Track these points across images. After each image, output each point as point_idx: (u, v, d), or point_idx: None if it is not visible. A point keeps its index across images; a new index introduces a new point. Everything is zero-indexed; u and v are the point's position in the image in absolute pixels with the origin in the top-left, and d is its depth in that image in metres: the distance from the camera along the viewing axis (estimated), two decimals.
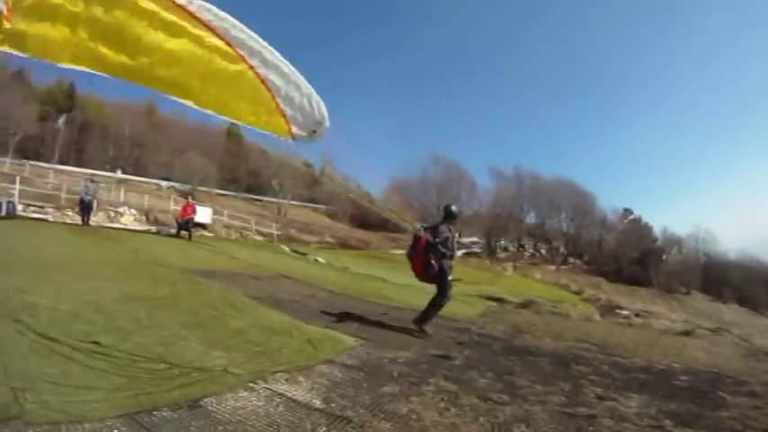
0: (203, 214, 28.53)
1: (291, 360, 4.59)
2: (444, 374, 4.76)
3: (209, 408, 3.24)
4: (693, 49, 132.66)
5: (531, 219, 70.82)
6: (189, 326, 5.29)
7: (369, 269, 20.79)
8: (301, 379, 4.08)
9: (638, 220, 66.30)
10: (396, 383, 4.28)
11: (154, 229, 24.17)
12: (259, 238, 35.32)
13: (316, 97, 5.87)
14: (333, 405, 3.57)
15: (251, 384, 3.79)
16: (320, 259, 21.94)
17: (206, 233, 27.74)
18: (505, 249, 63.71)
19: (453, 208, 7.36)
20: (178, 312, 5.92)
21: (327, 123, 5.98)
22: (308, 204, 69.17)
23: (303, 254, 24.11)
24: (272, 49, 5.52)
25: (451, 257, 7.04)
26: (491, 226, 62.19)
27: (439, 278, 6.91)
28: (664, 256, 58.82)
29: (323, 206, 70.49)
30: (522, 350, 6.51)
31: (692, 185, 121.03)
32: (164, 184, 52.22)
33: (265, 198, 63.49)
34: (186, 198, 25.63)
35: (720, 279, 52.24)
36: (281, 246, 28.05)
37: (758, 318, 21.18)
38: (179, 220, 21.11)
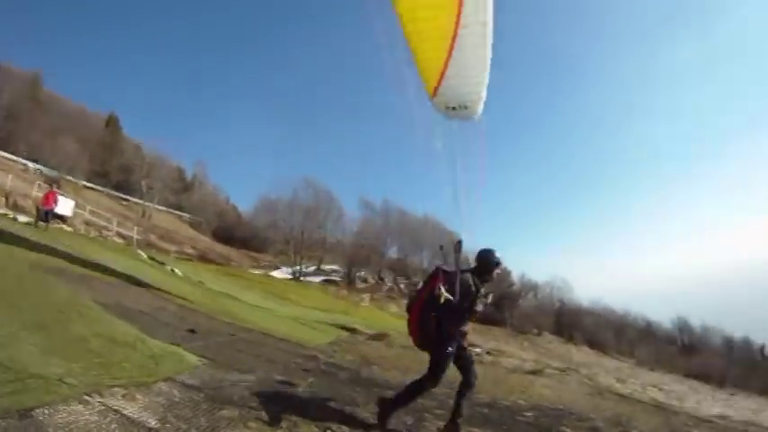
0: (65, 206, 26.33)
1: (131, 375, 4.43)
2: (286, 402, 4.78)
3: (40, 418, 3.07)
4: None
5: (393, 253, 72.44)
6: (29, 327, 4.94)
7: (224, 286, 20.37)
8: (139, 396, 3.94)
9: (505, 268, 70.87)
10: (235, 407, 4.23)
11: (11, 214, 21.68)
12: (118, 240, 33.29)
13: (481, 88, 5.86)
14: (168, 426, 3.49)
15: (86, 397, 3.61)
16: (177, 270, 21.01)
17: (65, 226, 25.37)
18: (365, 281, 64.00)
19: (496, 256, 4.95)
20: (19, 311, 5.46)
21: (475, 114, 5.99)
22: (173, 211, 66.28)
23: (161, 263, 22.89)
24: (490, 31, 5.42)
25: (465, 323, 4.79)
26: (353, 255, 62.67)
27: (438, 350, 4.65)
28: (520, 300, 63.85)
29: (188, 216, 68.20)
30: (369, 381, 6.67)
31: (552, 236, 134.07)
32: (31, 165, 46.55)
33: (132, 199, 59.58)
34: (51, 185, 23.46)
35: (572, 323, 57.81)
36: (140, 251, 26.33)
37: (606, 359, 24.19)
38: (39, 208, 19.50)
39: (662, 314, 35.31)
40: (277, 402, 4.70)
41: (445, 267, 4.79)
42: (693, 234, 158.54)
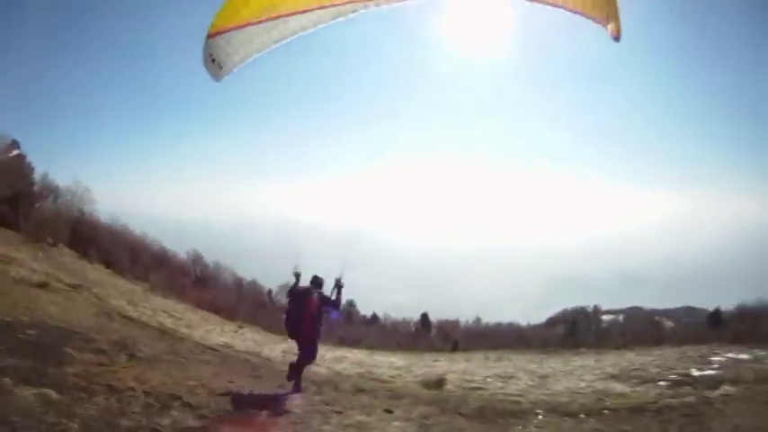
0: None
1: None
2: None
3: None
4: None
5: None
6: None
7: None
8: None
9: (23, 157, 59.92)
10: None
11: None
12: None
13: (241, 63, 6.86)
14: None
15: None
16: None
17: None
18: None
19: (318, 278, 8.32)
20: None
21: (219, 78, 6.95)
22: None
23: None
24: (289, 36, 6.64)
25: None
26: None
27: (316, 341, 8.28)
28: (38, 204, 54.88)
29: None
30: None
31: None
32: None
33: None
34: None
35: (90, 238, 53.01)
36: None
37: (121, 280, 23.12)
38: None
39: (178, 245, 37.40)
40: None
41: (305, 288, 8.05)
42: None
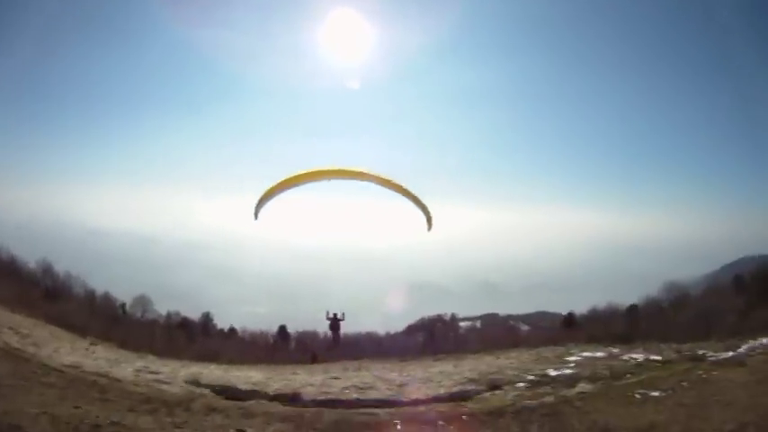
0: None
1: None
2: None
3: None
4: None
5: None
6: None
7: None
8: None
9: None
10: None
11: None
12: None
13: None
14: None
15: None
16: None
17: None
18: None
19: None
20: None
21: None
22: None
23: None
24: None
25: None
26: None
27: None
28: None
29: None
30: None
31: None
32: None
33: None
34: None
35: None
36: None
37: None
38: None
39: (27, 253, 33.99)
40: None
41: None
42: None
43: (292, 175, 13.66)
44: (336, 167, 14.03)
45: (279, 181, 13.73)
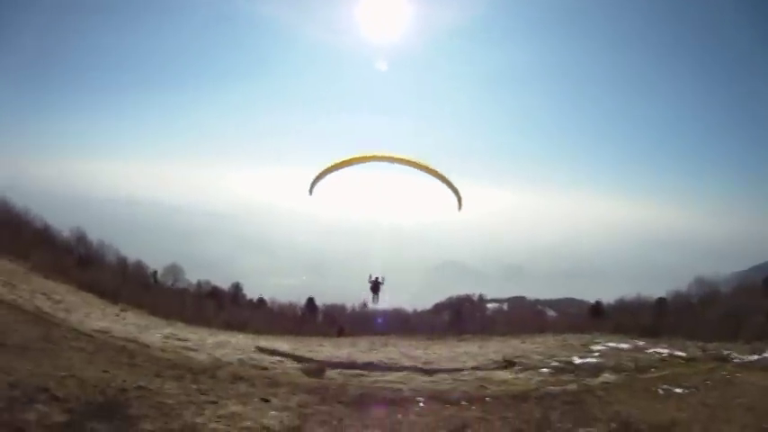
0: None
1: None
2: None
3: None
4: None
5: None
6: None
7: None
8: None
9: None
10: None
11: None
12: None
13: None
14: None
15: None
16: None
17: None
18: None
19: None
20: None
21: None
22: None
23: None
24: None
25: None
26: None
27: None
28: None
29: None
30: None
31: None
32: None
33: None
34: None
35: None
36: None
37: (1, 261, 20.86)
38: None
39: (61, 222, 34.69)
40: None
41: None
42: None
43: (352, 156, 14.57)
44: (385, 153, 14.75)
45: (335, 161, 14.65)
